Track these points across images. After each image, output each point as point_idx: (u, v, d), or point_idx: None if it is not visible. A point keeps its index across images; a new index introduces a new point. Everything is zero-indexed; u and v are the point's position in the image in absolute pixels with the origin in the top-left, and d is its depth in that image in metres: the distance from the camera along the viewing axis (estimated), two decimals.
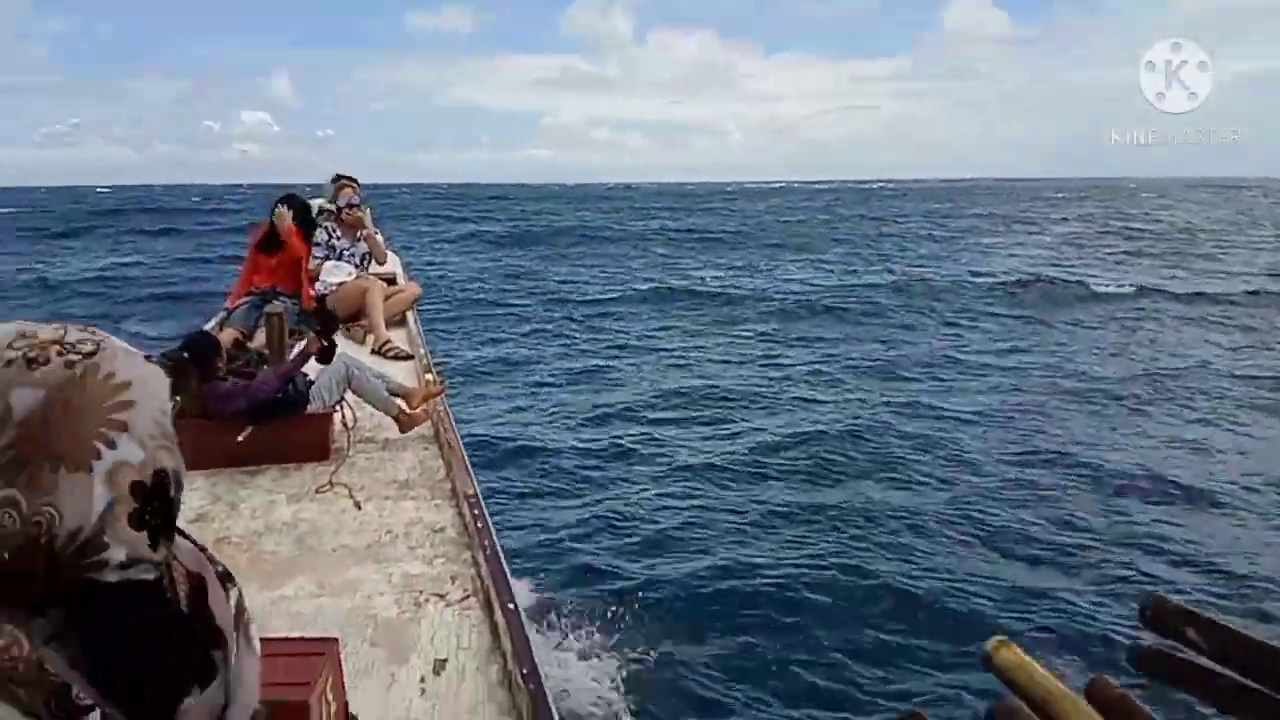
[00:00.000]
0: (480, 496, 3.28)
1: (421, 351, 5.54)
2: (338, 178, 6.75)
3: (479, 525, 3.01)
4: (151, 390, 0.77)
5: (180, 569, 0.80)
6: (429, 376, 4.83)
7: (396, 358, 5.52)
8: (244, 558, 2.94)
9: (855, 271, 23.69)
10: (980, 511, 6.71)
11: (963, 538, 6.32)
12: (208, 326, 5.92)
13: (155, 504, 0.75)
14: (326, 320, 4.15)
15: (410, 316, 6.45)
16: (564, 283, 21.24)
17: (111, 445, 0.72)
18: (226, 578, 0.89)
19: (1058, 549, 6.12)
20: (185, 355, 3.77)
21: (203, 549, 0.87)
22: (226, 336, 5.72)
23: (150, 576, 0.76)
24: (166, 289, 19.66)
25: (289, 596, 2.70)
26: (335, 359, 4.01)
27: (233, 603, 0.88)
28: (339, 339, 5.92)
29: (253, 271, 6.39)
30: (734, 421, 9.28)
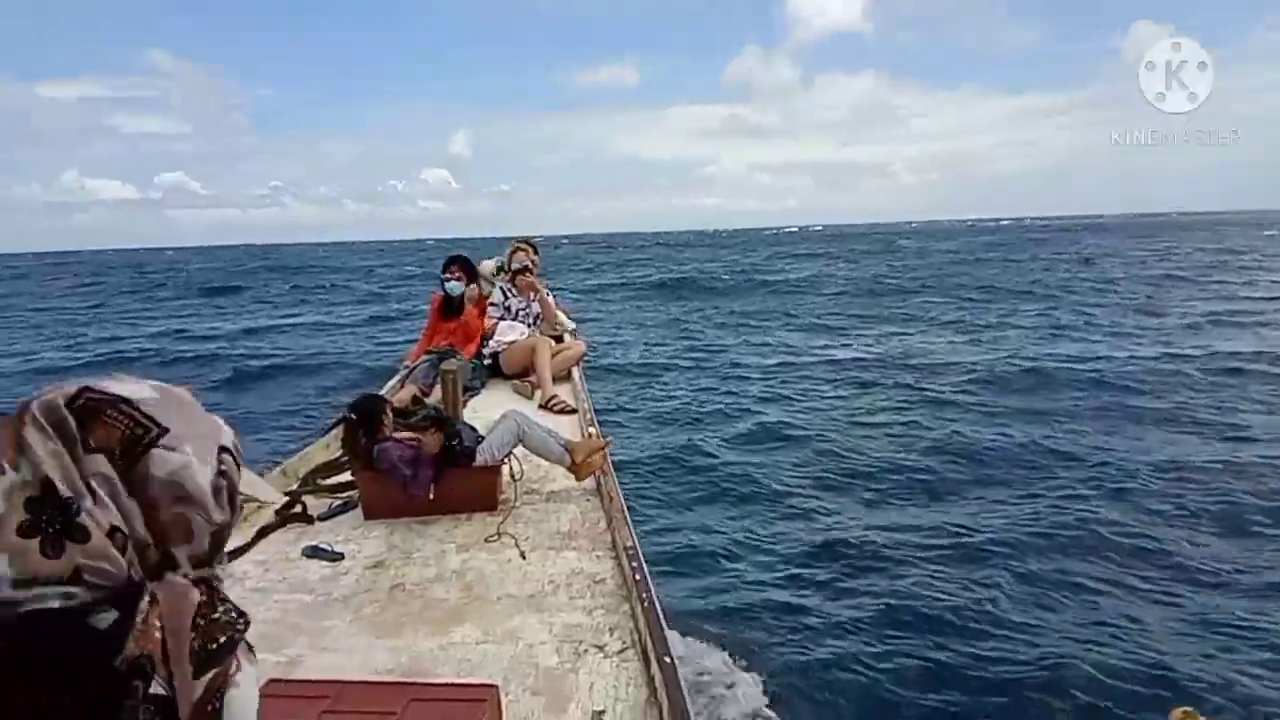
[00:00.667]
0: (639, 549, 3.31)
1: (585, 406, 5.69)
2: (515, 241, 7.20)
3: (637, 578, 3.03)
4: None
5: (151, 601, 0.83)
6: (592, 430, 4.94)
7: (562, 412, 5.71)
8: (416, 604, 3.08)
9: (1100, 326, 19.38)
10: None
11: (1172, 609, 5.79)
12: (391, 383, 6.33)
13: (50, 512, 0.79)
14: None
15: (575, 372, 6.67)
16: (724, 334, 20.79)
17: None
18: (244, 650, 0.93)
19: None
20: (352, 416, 4.04)
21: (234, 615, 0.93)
22: (406, 393, 6.10)
23: (55, 605, 0.77)
24: (347, 344, 20.92)
25: (456, 643, 2.80)
26: (507, 417, 4.17)
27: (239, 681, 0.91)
28: (509, 393, 6.25)
29: (433, 334, 6.81)
30: (918, 502, 8.12)
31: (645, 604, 2.82)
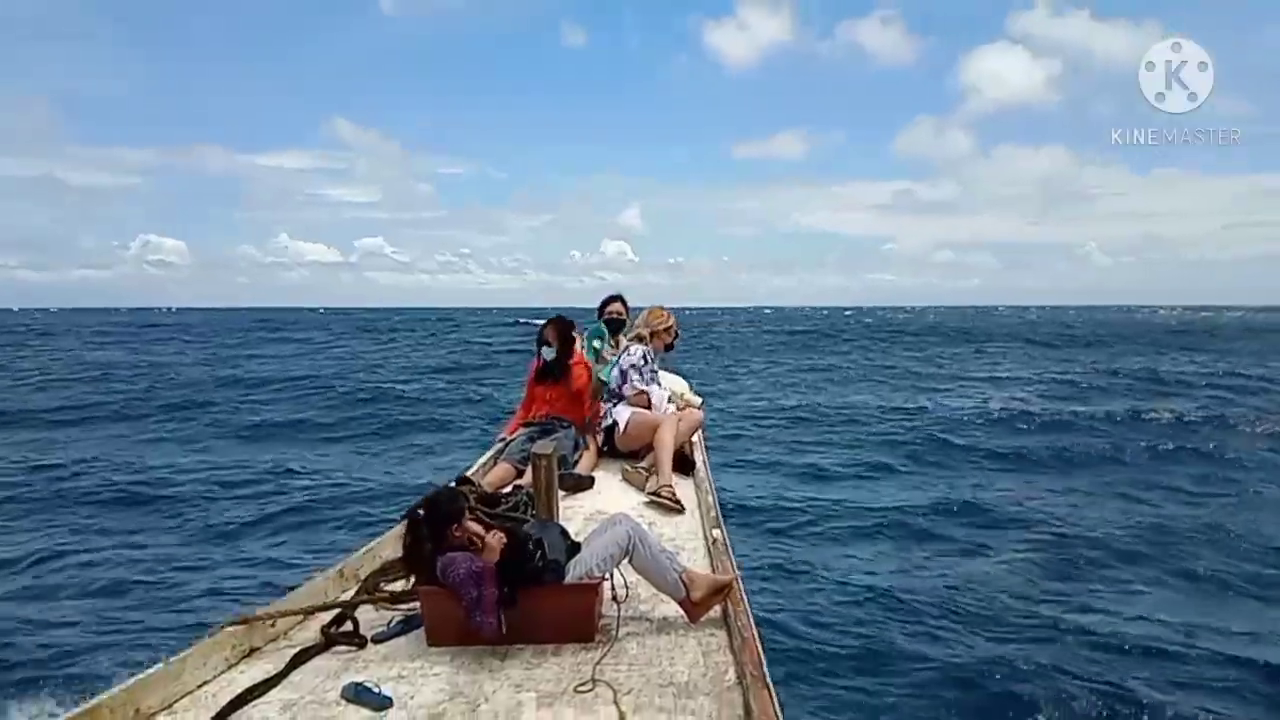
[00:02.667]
0: None
1: (710, 500, 4.75)
2: (614, 298, 6.47)
3: None
4: None
5: None
6: (716, 533, 4.02)
7: (668, 507, 4.78)
8: None
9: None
10: None
11: None
12: (482, 460, 5.56)
13: None
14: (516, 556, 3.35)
15: (699, 455, 5.74)
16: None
17: None
18: None
19: None
20: (419, 512, 3.25)
21: None
22: (501, 471, 5.31)
23: None
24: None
25: None
26: (618, 524, 3.31)
27: None
28: (617, 478, 5.37)
29: (530, 402, 6.05)
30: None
31: None
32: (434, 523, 3.22)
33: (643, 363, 5.87)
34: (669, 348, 6.14)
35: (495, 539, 3.15)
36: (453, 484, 4.38)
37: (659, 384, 5.95)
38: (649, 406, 5.70)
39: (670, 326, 6.15)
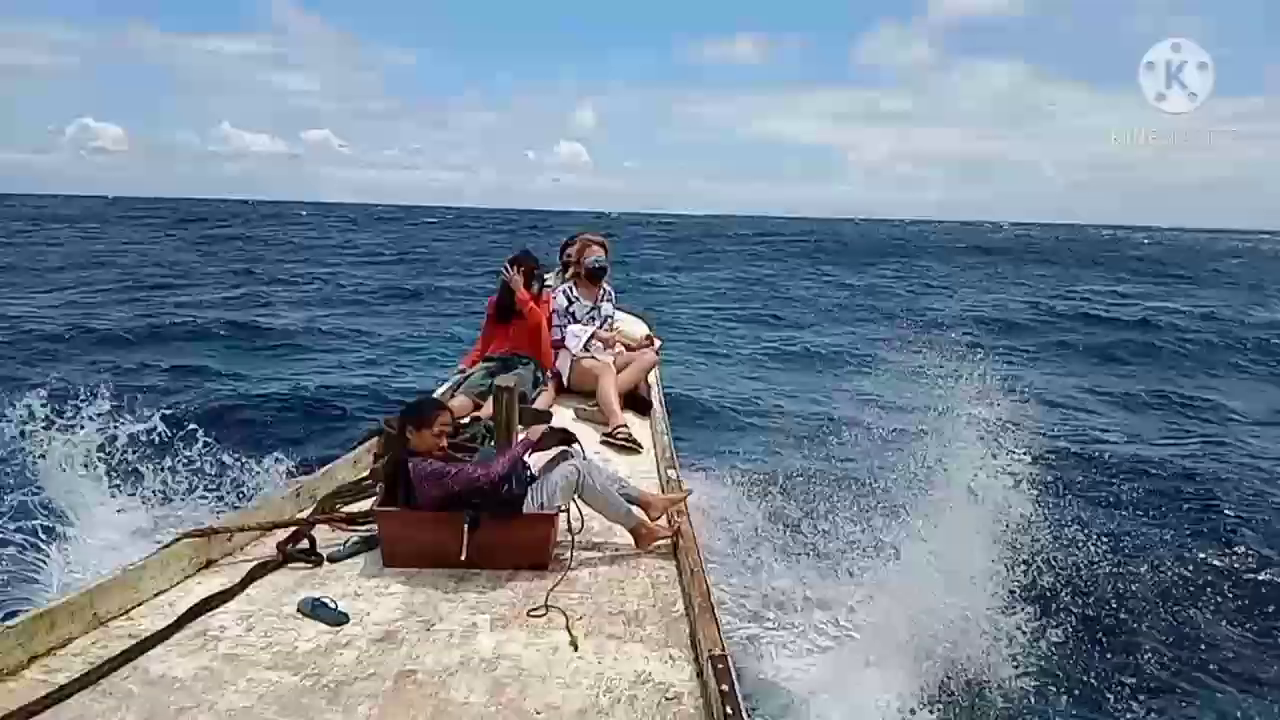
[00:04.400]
0: (729, 655, 2.46)
1: (665, 441, 4.85)
2: (574, 238, 6.43)
3: (727, 707, 2.19)
4: None
5: None
6: (671, 473, 4.12)
7: (624, 447, 4.89)
8: (426, 707, 2.29)
9: None
10: None
11: None
12: (439, 391, 5.58)
13: None
14: (564, 440, 3.53)
15: (655, 394, 5.84)
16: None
17: None
18: None
19: None
20: (391, 423, 3.31)
21: None
22: (459, 403, 5.34)
23: None
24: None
25: None
26: (567, 458, 3.39)
27: None
28: (571, 419, 5.45)
29: (489, 338, 6.06)
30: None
31: None
32: (415, 419, 3.30)
33: (565, 304, 6.01)
34: (590, 274, 6.10)
35: (532, 433, 3.41)
36: None
37: (590, 320, 6.03)
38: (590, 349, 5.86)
39: (573, 258, 6.22)
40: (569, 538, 3.30)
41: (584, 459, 3.43)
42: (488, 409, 4.82)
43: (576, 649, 2.63)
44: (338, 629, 2.73)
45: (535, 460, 3.47)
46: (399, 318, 19.18)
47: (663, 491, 3.94)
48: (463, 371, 5.88)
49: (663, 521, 3.49)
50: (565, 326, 5.95)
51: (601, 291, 6.16)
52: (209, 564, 3.22)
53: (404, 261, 35.22)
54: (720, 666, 2.37)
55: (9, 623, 2.42)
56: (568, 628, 2.75)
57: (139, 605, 2.84)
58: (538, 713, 2.29)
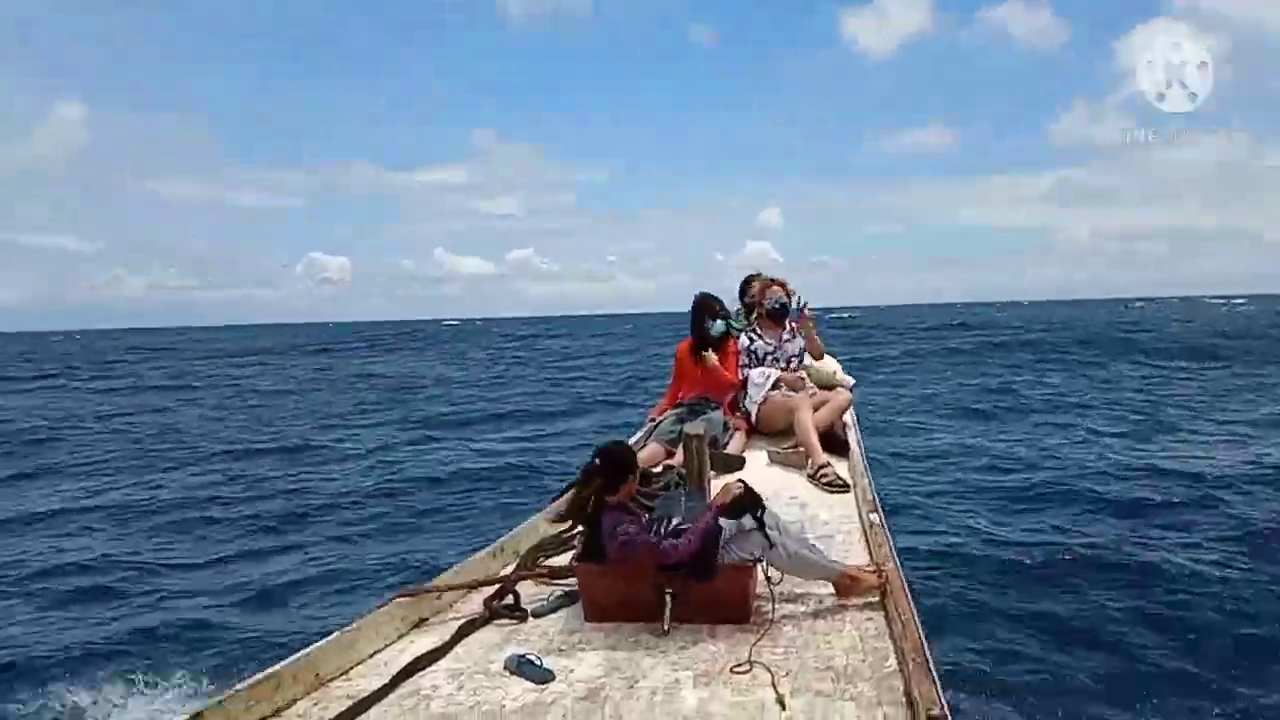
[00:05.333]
0: (948, 715, 2.26)
1: (865, 483, 4.64)
2: (752, 278, 6.38)
3: None
4: None
5: None
6: (874, 517, 3.92)
7: (831, 486, 4.73)
8: None
9: None
10: None
11: None
12: (633, 440, 5.62)
13: None
14: (750, 504, 3.39)
15: (852, 433, 5.65)
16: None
17: None
18: None
19: None
20: (596, 462, 3.32)
21: None
22: (651, 451, 5.36)
23: None
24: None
25: None
26: (752, 528, 3.29)
27: None
28: (765, 464, 5.33)
29: (679, 383, 6.06)
30: None
31: None
32: (611, 470, 3.30)
33: (748, 343, 6.01)
34: (772, 314, 6.06)
35: (723, 493, 3.28)
36: None
37: (775, 362, 5.95)
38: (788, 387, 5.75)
39: (755, 298, 6.20)
40: (769, 590, 3.19)
41: (774, 529, 3.30)
42: (680, 456, 4.81)
43: (784, 707, 2.51)
44: (543, 687, 2.74)
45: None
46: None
47: (865, 538, 3.76)
48: (653, 420, 5.91)
49: (868, 567, 3.32)
50: (749, 368, 5.88)
51: (785, 331, 6.06)
52: (420, 622, 3.34)
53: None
54: None
55: (239, 685, 2.57)
56: (774, 684, 2.63)
57: (356, 665, 2.97)
58: None
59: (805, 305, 6.08)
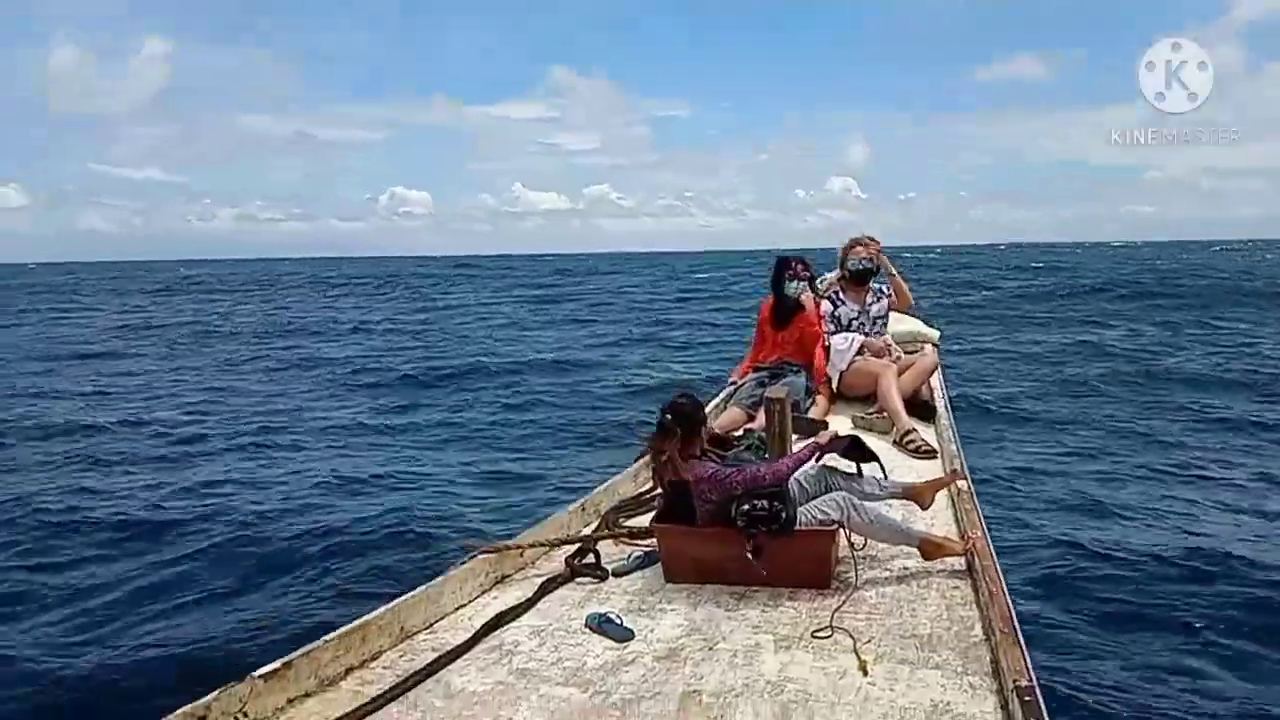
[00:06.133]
0: (1036, 687, 2.20)
1: (953, 449, 4.52)
2: (854, 241, 6.16)
3: None
4: None
5: None
6: (961, 484, 3.81)
7: (919, 452, 4.62)
8: None
9: None
10: None
11: None
12: (713, 404, 5.57)
13: None
14: (857, 452, 3.38)
15: (938, 397, 5.51)
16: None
17: None
18: None
19: None
20: (668, 416, 3.29)
21: None
22: (732, 416, 5.31)
23: None
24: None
25: None
26: (832, 492, 3.23)
27: None
28: (849, 428, 5.23)
29: (760, 345, 5.98)
30: None
31: None
32: (686, 425, 3.29)
33: (831, 308, 5.87)
34: (855, 276, 5.90)
35: (815, 442, 3.34)
36: None
37: (860, 327, 5.83)
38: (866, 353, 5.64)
39: (841, 260, 6.01)
40: (851, 554, 3.14)
41: (849, 496, 3.23)
42: (760, 420, 4.76)
43: (866, 674, 2.47)
44: (623, 645, 2.76)
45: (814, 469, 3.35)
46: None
47: (952, 506, 3.67)
48: (734, 383, 5.85)
49: (954, 534, 3.24)
50: (832, 334, 5.77)
51: (869, 294, 5.92)
52: (502, 579, 3.39)
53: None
54: (1028, 699, 2.11)
55: (328, 635, 2.65)
56: (855, 651, 2.59)
57: (440, 619, 3.04)
58: None
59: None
